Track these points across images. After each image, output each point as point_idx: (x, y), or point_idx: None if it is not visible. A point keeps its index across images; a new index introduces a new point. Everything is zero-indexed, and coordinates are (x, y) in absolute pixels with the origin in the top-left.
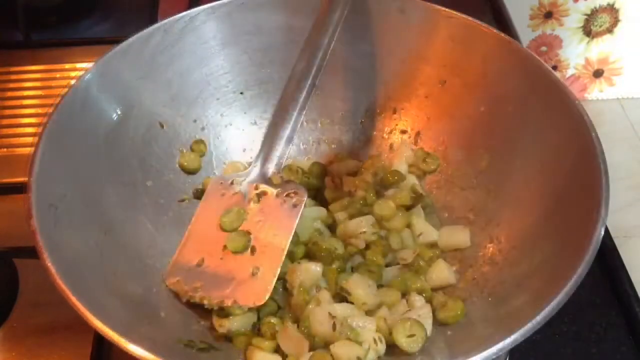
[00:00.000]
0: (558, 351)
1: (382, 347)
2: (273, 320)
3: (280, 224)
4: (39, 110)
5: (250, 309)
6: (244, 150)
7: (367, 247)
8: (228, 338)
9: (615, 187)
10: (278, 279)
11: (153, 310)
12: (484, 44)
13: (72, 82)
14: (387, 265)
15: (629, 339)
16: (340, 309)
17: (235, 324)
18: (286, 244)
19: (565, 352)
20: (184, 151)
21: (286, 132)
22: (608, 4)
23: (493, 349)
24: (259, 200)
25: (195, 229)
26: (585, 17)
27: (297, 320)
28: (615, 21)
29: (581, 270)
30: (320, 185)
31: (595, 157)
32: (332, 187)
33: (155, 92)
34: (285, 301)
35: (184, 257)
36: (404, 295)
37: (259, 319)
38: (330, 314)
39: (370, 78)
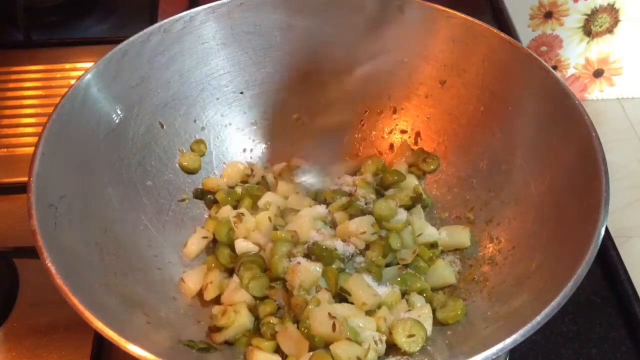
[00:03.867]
0: (558, 351)
1: (382, 347)
2: (273, 320)
3: None
4: (39, 110)
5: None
6: (244, 150)
7: (367, 247)
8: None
9: (615, 187)
10: (278, 279)
11: (153, 310)
12: (484, 44)
13: (72, 82)
14: (387, 265)
15: (629, 339)
16: (340, 309)
17: (230, 333)
18: None
19: (565, 352)
20: (184, 151)
21: None
22: (608, 4)
23: (493, 349)
24: None
25: None
26: (585, 17)
27: (297, 320)
28: (616, 21)
29: (581, 270)
30: (321, 185)
31: (595, 157)
32: (332, 187)
33: (155, 92)
34: (285, 301)
35: None
36: (404, 295)
37: (259, 319)
38: (330, 314)
39: (371, 78)
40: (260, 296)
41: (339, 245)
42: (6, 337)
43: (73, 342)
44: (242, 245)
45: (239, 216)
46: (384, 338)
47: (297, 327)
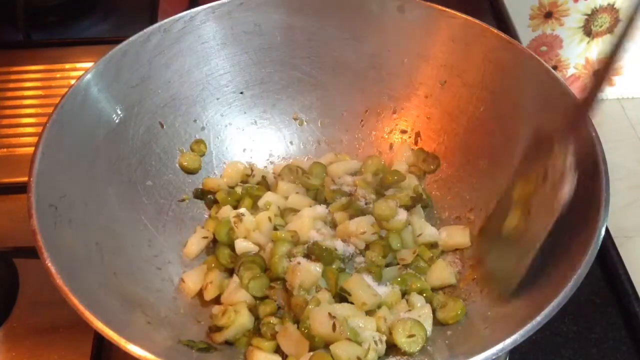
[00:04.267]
0: (558, 351)
1: (382, 348)
2: (273, 320)
3: None
4: (39, 110)
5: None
6: (244, 150)
7: (367, 247)
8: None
9: (615, 187)
10: (278, 279)
11: (153, 310)
12: (484, 44)
13: (72, 82)
14: (387, 266)
15: (629, 339)
16: (340, 309)
17: (230, 333)
18: None
19: (565, 352)
20: (184, 151)
21: None
22: (608, 4)
23: (493, 350)
24: None
25: None
26: (586, 17)
27: (297, 321)
28: (616, 21)
29: (581, 270)
30: (320, 185)
31: (596, 157)
32: (332, 187)
33: (155, 91)
34: (285, 301)
35: None
36: (404, 295)
37: (259, 319)
38: (330, 314)
39: (370, 78)
40: (260, 296)
41: (339, 245)
42: (6, 337)
43: (73, 342)
44: (242, 245)
45: (239, 216)
46: (384, 338)
47: (297, 327)
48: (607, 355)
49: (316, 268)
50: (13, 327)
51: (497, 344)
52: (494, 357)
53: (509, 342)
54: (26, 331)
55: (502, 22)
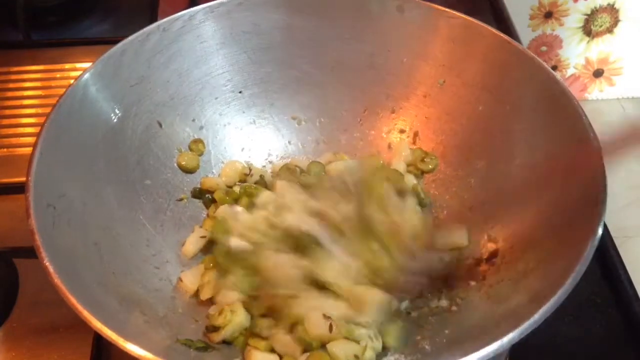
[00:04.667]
0: (558, 351)
1: (378, 344)
2: (265, 321)
3: None
4: (39, 110)
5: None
6: (243, 149)
7: None
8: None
9: (615, 187)
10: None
11: (151, 309)
12: (483, 44)
13: (71, 82)
14: None
15: (629, 339)
16: (332, 307)
17: (227, 333)
18: None
19: (566, 352)
20: (183, 150)
21: None
22: (608, 4)
23: (491, 347)
24: None
25: None
26: (585, 17)
27: (290, 323)
28: (615, 21)
29: (578, 269)
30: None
31: (595, 157)
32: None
33: (154, 91)
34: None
35: None
36: None
37: (254, 317)
38: (324, 315)
39: (370, 77)
40: (252, 295)
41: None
42: (6, 337)
43: (73, 342)
44: (237, 244)
45: (236, 215)
46: (379, 335)
47: (292, 332)
48: (607, 355)
49: (299, 262)
50: (13, 327)
51: (494, 342)
52: (492, 357)
53: (506, 340)
54: (26, 331)
55: (502, 22)
